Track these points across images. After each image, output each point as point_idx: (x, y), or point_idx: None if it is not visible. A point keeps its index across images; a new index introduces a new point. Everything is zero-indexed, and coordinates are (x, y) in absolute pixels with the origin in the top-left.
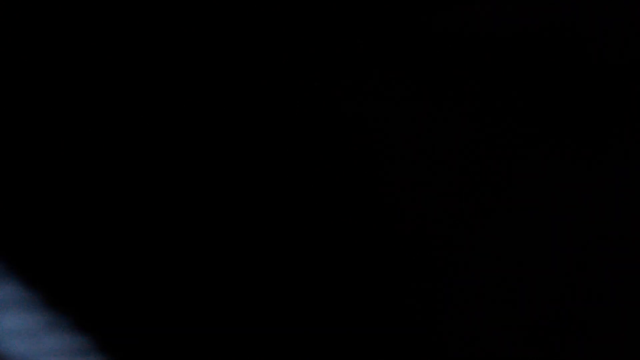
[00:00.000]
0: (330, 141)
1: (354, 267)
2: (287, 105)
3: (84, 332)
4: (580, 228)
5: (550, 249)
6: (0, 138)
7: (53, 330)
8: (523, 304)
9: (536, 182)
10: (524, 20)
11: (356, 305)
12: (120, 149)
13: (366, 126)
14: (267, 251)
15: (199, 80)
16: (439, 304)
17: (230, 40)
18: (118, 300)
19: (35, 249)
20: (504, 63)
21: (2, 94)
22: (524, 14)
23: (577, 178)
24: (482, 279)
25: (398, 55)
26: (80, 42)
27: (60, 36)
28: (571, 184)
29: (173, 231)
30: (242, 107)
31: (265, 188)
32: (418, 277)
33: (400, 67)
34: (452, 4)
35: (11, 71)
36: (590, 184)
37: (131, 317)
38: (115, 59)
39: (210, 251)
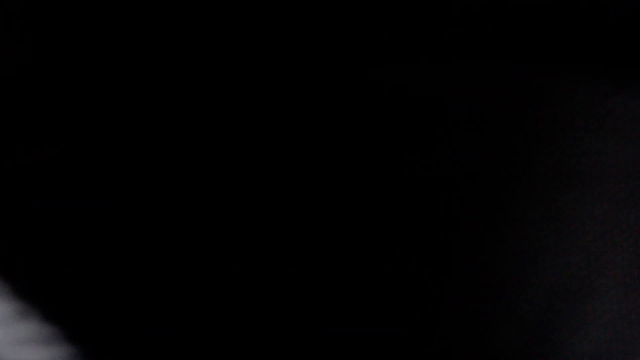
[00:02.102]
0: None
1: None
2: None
3: (55, 321)
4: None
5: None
6: None
7: (23, 318)
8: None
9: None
10: None
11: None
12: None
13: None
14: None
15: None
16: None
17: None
18: (89, 290)
19: (4, 240)
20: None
21: None
22: None
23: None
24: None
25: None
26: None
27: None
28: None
29: (145, 219)
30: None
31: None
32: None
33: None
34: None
35: None
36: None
37: (103, 307)
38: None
39: (189, 249)
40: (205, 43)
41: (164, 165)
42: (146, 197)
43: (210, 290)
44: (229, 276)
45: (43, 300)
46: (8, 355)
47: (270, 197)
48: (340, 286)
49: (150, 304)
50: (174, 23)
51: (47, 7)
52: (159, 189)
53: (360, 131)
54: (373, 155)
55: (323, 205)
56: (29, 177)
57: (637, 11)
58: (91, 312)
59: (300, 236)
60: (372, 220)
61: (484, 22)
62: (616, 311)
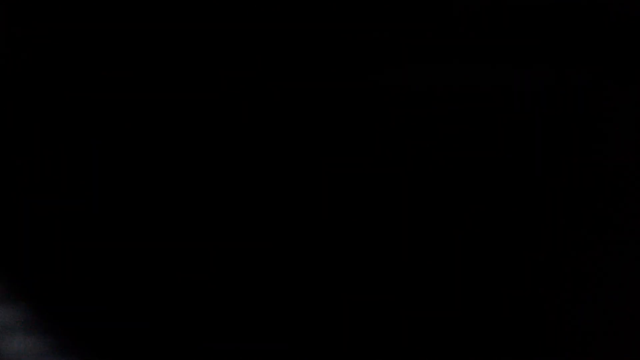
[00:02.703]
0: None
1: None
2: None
3: (63, 332)
4: None
5: None
6: None
7: (8, 306)
8: None
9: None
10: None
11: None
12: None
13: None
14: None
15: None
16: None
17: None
18: (77, 282)
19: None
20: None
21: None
22: None
23: None
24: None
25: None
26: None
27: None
28: None
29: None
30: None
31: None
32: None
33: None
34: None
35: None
36: None
37: (108, 312)
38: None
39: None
40: (205, 43)
41: (165, 164)
42: (146, 196)
43: (202, 287)
44: (225, 277)
45: (29, 290)
46: None
47: (270, 196)
48: (339, 285)
49: (144, 299)
50: (175, 24)
51: (46, 7)
52: (159, 188)
53: (359, 131)
54: (372, 155)
55: (323, 204)
56: (29, 177)
57: (637, 12)
58: (76, 303)
59: (300, 235)
60: (375, 223)
61: (484, 22)
62: None
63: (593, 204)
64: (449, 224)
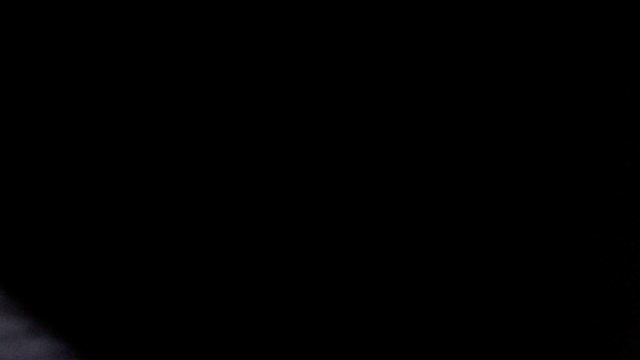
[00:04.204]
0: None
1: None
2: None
3: (65, 337)
4: None
5: None
6: None
7: (10, 314)
8: None
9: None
10: None
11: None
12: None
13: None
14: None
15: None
16: None
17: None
18: (80, 287)
19: (17, 256)
20: None
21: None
22: None
23: None
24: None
25: None
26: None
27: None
28: None
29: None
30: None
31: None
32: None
33: None
34: None
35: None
36: None
37: (111, 322)
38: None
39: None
40: (205, 43)
41: (164, 164)
42: (145, 196)
43: (206, 291)
44: (225, 277)
45: (30, 296)
46: None
47: (269, 196)
48: (339, 285)
49: (144, 300)
50: (175, 24)
51: (46, 7)
52: (159, 189)
53: (359, 131)
54: (372, 155)
55: (323, 204)
56: (29, 177)
57: (637, 12)
58: (80, 308)
59: (300, 235)
60: (380, 222)
61: (484, 21)
62: None
63: (593, 204)
64: (449, 224)
